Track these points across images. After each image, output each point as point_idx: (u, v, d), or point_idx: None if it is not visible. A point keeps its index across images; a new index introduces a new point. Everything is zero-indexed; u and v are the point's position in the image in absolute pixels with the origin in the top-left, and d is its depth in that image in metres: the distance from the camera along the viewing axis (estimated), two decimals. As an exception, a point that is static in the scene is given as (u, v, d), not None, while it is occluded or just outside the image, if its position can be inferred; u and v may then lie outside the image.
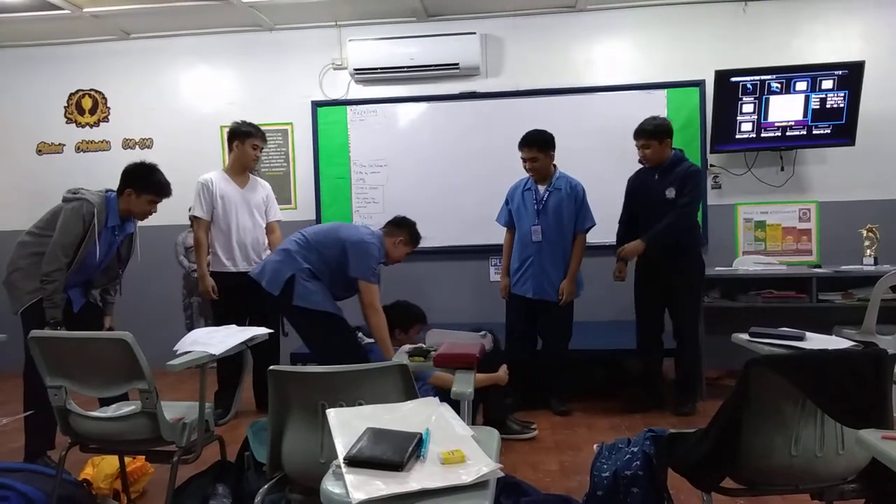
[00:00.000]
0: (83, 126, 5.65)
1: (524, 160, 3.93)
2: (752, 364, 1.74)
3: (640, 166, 4.02)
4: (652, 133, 3.82)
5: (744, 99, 4.80)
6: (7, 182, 5.71)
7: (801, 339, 2.20)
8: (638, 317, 4.04)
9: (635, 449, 2.16)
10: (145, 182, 3.15)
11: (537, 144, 3.89)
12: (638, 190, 4.02)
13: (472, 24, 5.18)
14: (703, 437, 1.85)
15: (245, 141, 3.98)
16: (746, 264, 4.63)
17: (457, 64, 5.12)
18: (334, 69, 5.39)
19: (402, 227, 3.62)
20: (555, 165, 4.00)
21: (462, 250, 4.97)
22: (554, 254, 3.94)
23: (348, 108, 5.37)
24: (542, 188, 3.97)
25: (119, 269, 3.35)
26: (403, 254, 3.63)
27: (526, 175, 4.03)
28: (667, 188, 3.83)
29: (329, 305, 3.40)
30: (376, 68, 5.20)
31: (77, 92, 5.65)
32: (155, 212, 3.29)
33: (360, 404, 1.67)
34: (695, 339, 3.91)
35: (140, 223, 3.41)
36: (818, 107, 4.70)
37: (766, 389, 1.75)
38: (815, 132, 4.75)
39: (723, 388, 4.27)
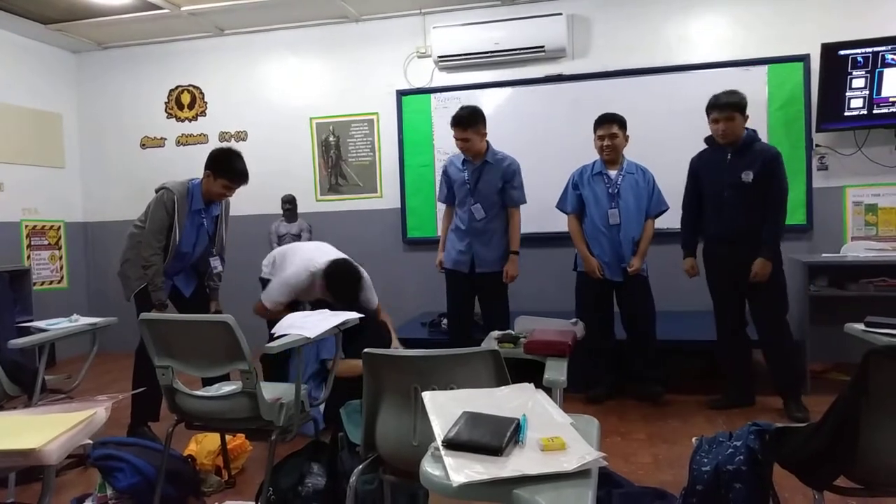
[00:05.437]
0: (182, 120, 5.95)
1: (601, 138, 3.87)
2: (873, 355, 1.62)
3: (705, 146, 3.78)
4: (737, 104, 3.52)
5: (853, 73, 4.46)
6: (116, 175, 6.09)
7: (925, 329, 2.03)
8: (715, 310, 3.77)
9: (738, 443, 2.04)
10: (223, 167, 3.31)
11: (618, 122, 3.86)
12: (705, 171, 3.72)
13: (558, 5, 5.07)
14: (815, 432, 1.74)
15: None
16: (856, 250, 4.32)
17: (542, 46, 5.02)
18: (418, 57, 5.41)
19: None
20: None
21: (548, 237, 4.89)
22: (631, 236, 3.87)
23: (432, 95, 5.38)
24: (612, 172, 3.91)
25: (213, 253, 3.52)
26: None
27: (588, 161, 4.00)
28: (743, 171, 3.51)
29: None
30: (460, 54, 5.18)
31: (176, 88, 5.95)
32: (230, 195, 3.41)
33: (452, 388, 1.66)
34: (788, 335, 3.58)
35: (235, 213, 3.57)
36: (941, 79, 4.31)
37: (887, 382, 1.62)
38: (936, 107, 4.36)
39: (829, 382, 4.02)
